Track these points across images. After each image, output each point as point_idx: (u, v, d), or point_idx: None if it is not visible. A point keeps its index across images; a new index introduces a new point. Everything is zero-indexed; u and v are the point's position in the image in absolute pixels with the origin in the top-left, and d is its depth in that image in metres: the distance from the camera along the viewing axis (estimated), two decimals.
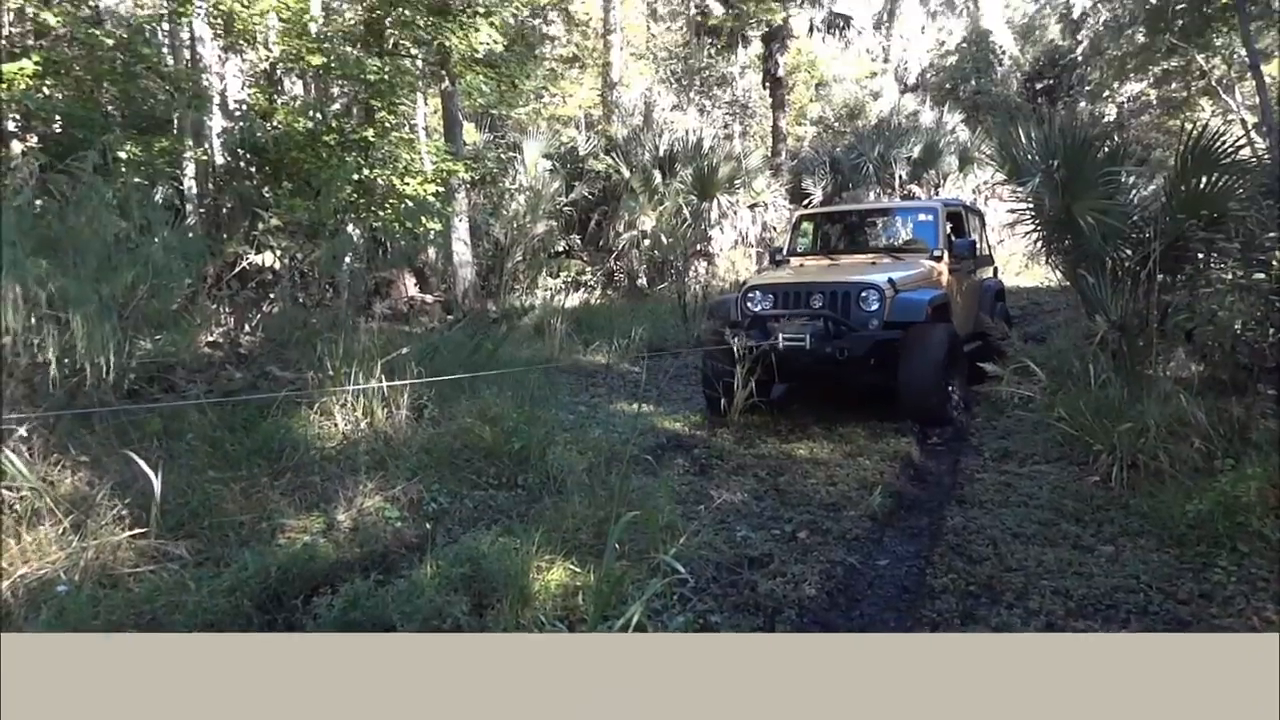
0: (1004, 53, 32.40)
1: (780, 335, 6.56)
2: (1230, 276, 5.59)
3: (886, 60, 36.24)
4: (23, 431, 4.03)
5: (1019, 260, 17.92)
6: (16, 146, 6.39)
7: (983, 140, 19.70)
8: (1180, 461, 4.48)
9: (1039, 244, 6.89)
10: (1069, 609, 3.36)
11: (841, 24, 25.42)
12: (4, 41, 7.28)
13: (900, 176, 19.94)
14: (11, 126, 6.85)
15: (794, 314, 6.74)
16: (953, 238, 7.87)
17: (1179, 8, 19.75)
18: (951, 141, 21.17)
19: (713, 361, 7.09)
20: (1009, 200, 11.54)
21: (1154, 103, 27.82)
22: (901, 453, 5.88)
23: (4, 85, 6.40)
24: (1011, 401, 6.33)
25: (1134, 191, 6.50)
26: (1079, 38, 31.27)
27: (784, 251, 8.66)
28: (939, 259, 7.59)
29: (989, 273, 9.33)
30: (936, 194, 19.63)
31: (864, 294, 6.68)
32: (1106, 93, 28.43)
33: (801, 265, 8.22)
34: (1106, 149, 6.38)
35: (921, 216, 8.38)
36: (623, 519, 2.89)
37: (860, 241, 9.00)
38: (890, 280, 6.74)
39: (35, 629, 2.86)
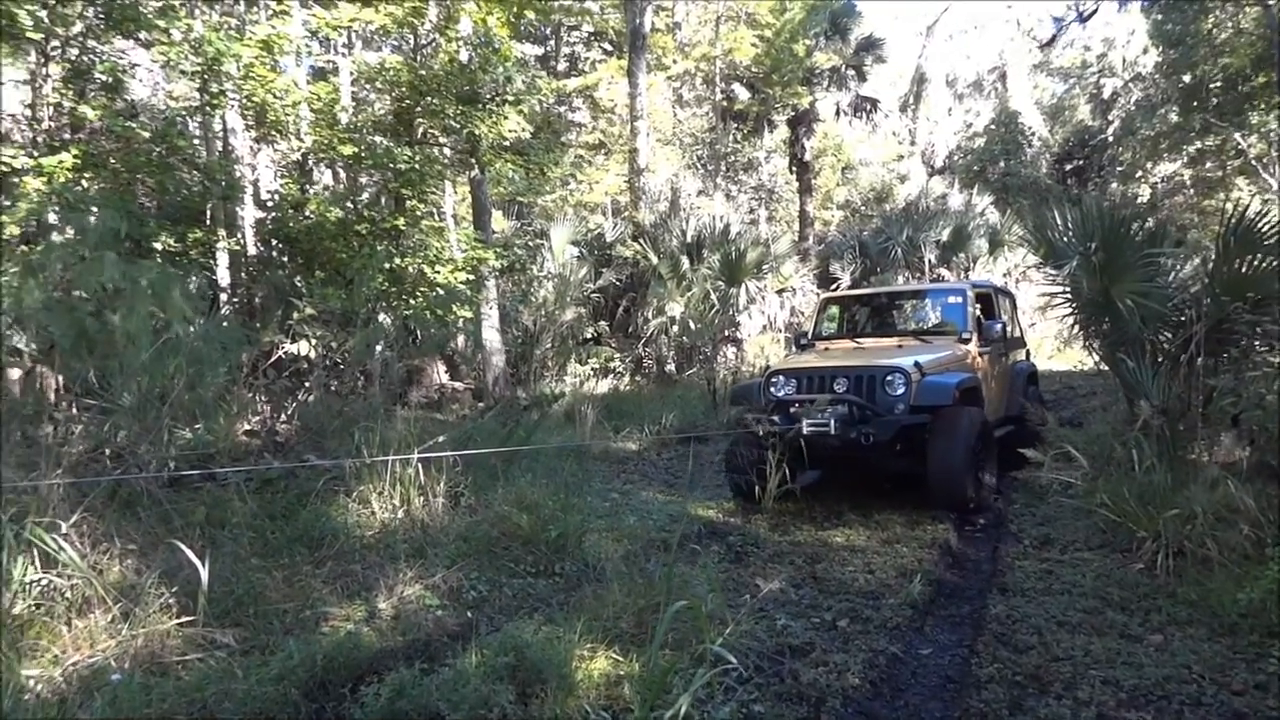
0: (1033, 134, 32.73)
1: (804, 420, 6.49)
2: (1277, 359, 5.54)
3: (913, 143, 36.84)
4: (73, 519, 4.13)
5: (1052, 343, 17.85)
6: (56, 238, 6.61)
7: (1013, 222, 19.76)
8: (1229, 549, 4.40)
9: (1075, 327, 6.87)
10: (1120, 700, 3.30)
11: (868, 107, 25.91)
12: (44, 135, 7.59)
13: (929, 260, 20.05)
14: (52, 219, 7.10)
15: (818, 399, 6.66)
16: (982, 320, 7.86)
17: (1214, 86, 19.99)
18: (981, 224, 21.26)
19: (738, 448, 7.05)
20: (1041, 283, 11.55)
21: (1188, 183, 27.84)
22: (940, 539, 5.83)
23: (45, 178, 6.64)
24: (1051, 487, 6.26)
25: (1173, 273, 6.46)
26: (1110, 118, 31.58)
27: (809, 335, 8.66)
28: (968, 342, 7.56)
29: (1021, 356, 9.28)
30: (966, 277, 19.71)
31: (889, 377, 6.59)
32: (1139, 173, 28.52)
33: (826, 349, 8.19)
34: (1146, 230, 6.39)
35: (950, 299, 8.35)
36: (670, 608, 2.90)
37: (887, 325, 9.00)
38: (917, 363, 6.64)
39: (91, 716, 2.90)
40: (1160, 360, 5.97)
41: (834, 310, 9.41)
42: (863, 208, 31.90)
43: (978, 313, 7.88)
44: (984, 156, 31.94)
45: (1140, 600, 4.38)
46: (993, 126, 33.57)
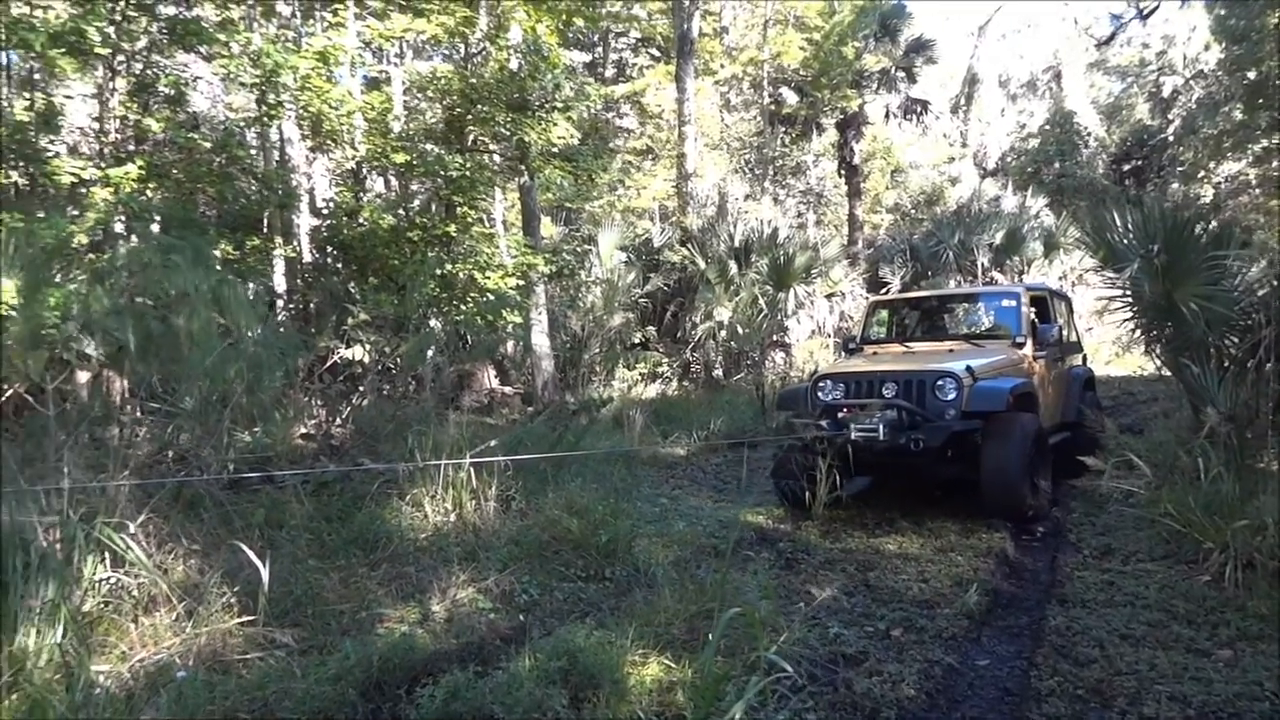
0: (1089, 134, 32.06)
1: (852, 426, 6.35)
2: None
3: (965, 145, 36.33)
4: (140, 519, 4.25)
5: (1110, 348, 17.45)
6: (122, 248, 6.81)
7: (1069, 224, 19.36)
8: None
9: (1135, 332, 6.70)
10: (1188, 716, 3.21)
11: (918, 109, 25.63)
12: (111, 147, 7.83)
13: (982, 263, 19.74)
14: (118, 228, 7.30)
15: (866, 404, 6.52)
16: (1037, 324, 7.65)
17: None
18: (1035, 227, 20.91)
19: (788, 454, 6.96)
20: (1098, 286, 11.30)
21: (1254, 182, 26.95)
22: (995, 548, 5.71)
23: (111, 189, 6.86)
24: (1111, 496, 6.11)
25: (1239, 276, 6.25)
26: (1170, 116, 30.77)
27: (857, 340, 8.52)
28: (1022, 346, 7.37)
29: (1077, 360, 9.06)
30: (1020, 280, 19.35)
31: (940, 382, 6.43)
32: (1201, 173, 27.68)
33: (875, 353, 8.03)
34: (1210, 231, 6.21)
35: (1004, 302, 8.14)
36: (725, 615, 2.89)
37: (938, 328, 8.84)
38: (968, 368, 6.48)
39: (157, 712, 2.98)
40: (1227, 365, 5.79)
41: (883, 314, 9.26)
42: (913, 211, 31.53)
43: (1032, 316, 7.68)
44: (1038, 157, 31.35)
45: (1207, 614, 4.25)
46: (1047, 127, 32.94)
